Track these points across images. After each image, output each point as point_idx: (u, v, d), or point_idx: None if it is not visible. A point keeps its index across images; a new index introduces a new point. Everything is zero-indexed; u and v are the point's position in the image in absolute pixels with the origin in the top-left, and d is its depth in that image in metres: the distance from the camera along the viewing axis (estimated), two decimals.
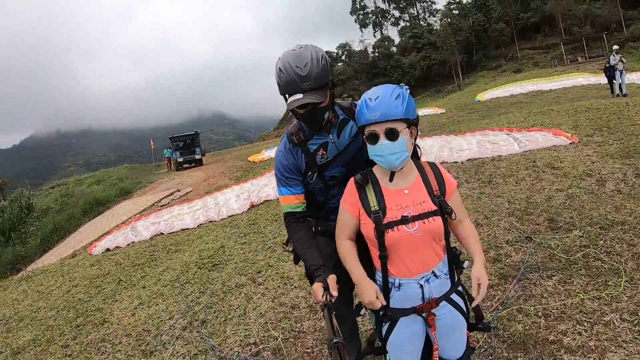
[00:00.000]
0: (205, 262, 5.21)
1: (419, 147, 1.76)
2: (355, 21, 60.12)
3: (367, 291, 1.53)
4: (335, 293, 1.52)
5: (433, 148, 8.38)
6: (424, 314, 1.63)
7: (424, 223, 1.55)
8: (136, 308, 4.47)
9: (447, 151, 7.91)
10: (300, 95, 1.62)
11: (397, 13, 60.50)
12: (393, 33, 59.14)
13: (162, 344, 3.54)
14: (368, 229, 1.60)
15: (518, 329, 2.63)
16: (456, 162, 7.16)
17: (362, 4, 60.08)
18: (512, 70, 38.40)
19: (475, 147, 7.61)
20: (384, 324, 1.67)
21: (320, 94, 1.65)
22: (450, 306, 1.64)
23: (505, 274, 3.24)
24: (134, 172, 22.89)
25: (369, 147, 1.59)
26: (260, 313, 3.61)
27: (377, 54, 53.06)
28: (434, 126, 14.05)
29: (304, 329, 3.26)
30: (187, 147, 25.19)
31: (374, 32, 59.62)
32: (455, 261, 1.71)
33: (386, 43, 54.30)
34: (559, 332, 2.54)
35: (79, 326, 4.36)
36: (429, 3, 58.81)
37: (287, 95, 1.68)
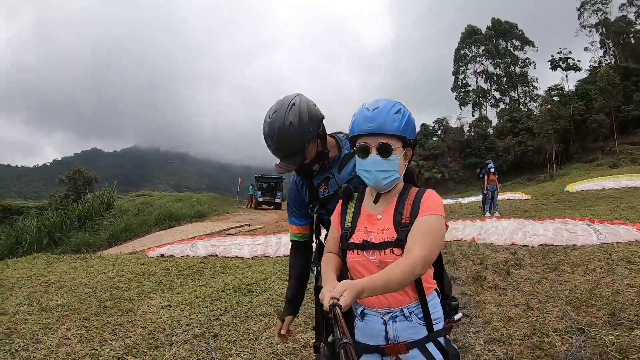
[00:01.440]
0: (243, 287, 5.26)
1: (415, 172, 1.60)
2: (456, 98, 60.25)
3: (332, 287, 1.17)
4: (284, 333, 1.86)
5: (507, 229, 7.92)
6: (389, 358, 1.41)
7: (380, 254, 1.39)
8: (163, 308, 4.60)
9: (521, 234, 7.40)
10: (278, 161, 1.72)
11: (497, 94, 59.60)
12: (491, 114, 58.03)
13: (170, 343, 3.57)
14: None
15: None
16: (526, 245, 6.60)
17: (464, 82, 60.40)
18: (608, 164, 35.01)
19: (551, 234, 7.01)
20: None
21: (292, 161, 1.68)
22: (424, 357, 1.40)
23: None
24: (215, 201, 24.29)
25: (358, 160, 1.47)
26: (271, 343, 3.53)
27: (472, 133, 52.08)
28: (515, 210, 13.23)
29: None
30: (270, 189, 26.33)
31: (473, 111, 59.05)
32: (447, 310, 1.51)
33: (483, 123, 53.25)
34: None
35: (106, 307, 4.59)
36: (531, 88, 57.25)
37: None
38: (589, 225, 7.01)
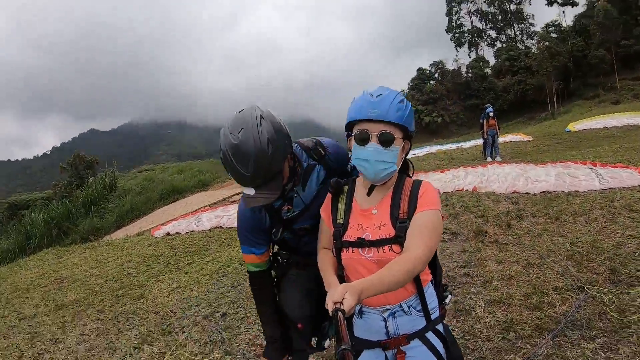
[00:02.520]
0: None
1: (411, 163, 1.54)
2: (451, 39, 58.40)
3: (334, 292, 1.12)
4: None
5: (509, 176, 7.88)
6: (391, 351, 1.42)
7: (378, 252, 1.35)
8: (172, 290, 4.72)
9: (523, 180, 7.38)
10: (252, 191, 1.44)
11: (493, 34, 57.60)
12: (489, 54, 56.35)
13: (181, 327, 3.69)
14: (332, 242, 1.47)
15: None
16: (528, 193, 6.61)
17: (458, 22, 58.24)
18: (611, 101, 34.46)
19: (553, 180, 6.98)
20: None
21: (274, 186, 1.45)
22: (425, 347, 1.41)
23: (542, 325, 2.78)
24: (217, 167, 24.24)
25: (355, 148, 1.38)
26: None
27: (470, 74, 51.00)
28: (516, 153, 13.17)
29: None
30: None
31: (469, 52, 57.37)
32: (440, 297, 1.51)
33: (480, 64, 52.01)
34: None
35: (119, 296, 4.72)
36: (527, 25, 55.13)
37: None
38: (591, 169, 6.96)
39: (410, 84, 55.07)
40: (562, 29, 46.31)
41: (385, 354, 1.42)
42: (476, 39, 57.19)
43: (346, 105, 1.44)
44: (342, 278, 1.43)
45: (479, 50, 57.21)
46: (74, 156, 25.23)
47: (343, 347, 0.99)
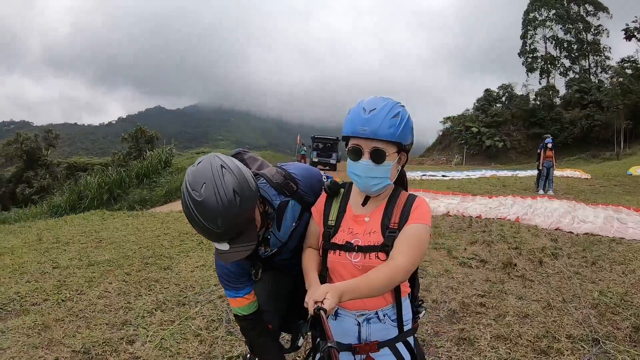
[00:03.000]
0: None
1: (405, 175, 1.56)
2: (523, 64, 55.65)
3: (316, 291, 1.19)
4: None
5: (555, 212, 7.61)
6: (359, 356, 1.46)
7: (365, 258, 1.38)
8: (197, 267, 4.97)
9: (569, 219, 7.11)
10: (225, 246, 1.34)
11: (567, 63, 54.19)
12: (559, 83, 53.06)
13: (196, 302, 3.89)
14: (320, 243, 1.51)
15: None
16: (572, 232, 6.32)
17: (532, 47, 55.47)
18: None
19: (600, 222, 6.65)
20: (317, 354, 1.51)
21: (247, 237, 1.34)
22: (394, 357, 1.45)
23: None
24: (272, 159, 24.78)
25: (349, 162, 1.40)
26: None
27: (538, 102, 48.57)
28: (570, 190, 12.51)
29: None
30: (326, 150, 26.60)
31: (540, 79, 54.52)
32: (414, 311, 1.54)
33: (550, 92, 49.33)
34: None
35: (147, 264, 5.05)
36: (603, 57, 51.31)
37: None
38: None
39: (476, 104, 53.29)
40: (638, 65, 42.81)
41: (355, 357, 1.46)
42: (549, 66, 54.19)
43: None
44: (323, 279, 1.47)
45: (550, 78, 54.22)
46: (136, 129, 26.80)
47: (329, 344, 1.02)
